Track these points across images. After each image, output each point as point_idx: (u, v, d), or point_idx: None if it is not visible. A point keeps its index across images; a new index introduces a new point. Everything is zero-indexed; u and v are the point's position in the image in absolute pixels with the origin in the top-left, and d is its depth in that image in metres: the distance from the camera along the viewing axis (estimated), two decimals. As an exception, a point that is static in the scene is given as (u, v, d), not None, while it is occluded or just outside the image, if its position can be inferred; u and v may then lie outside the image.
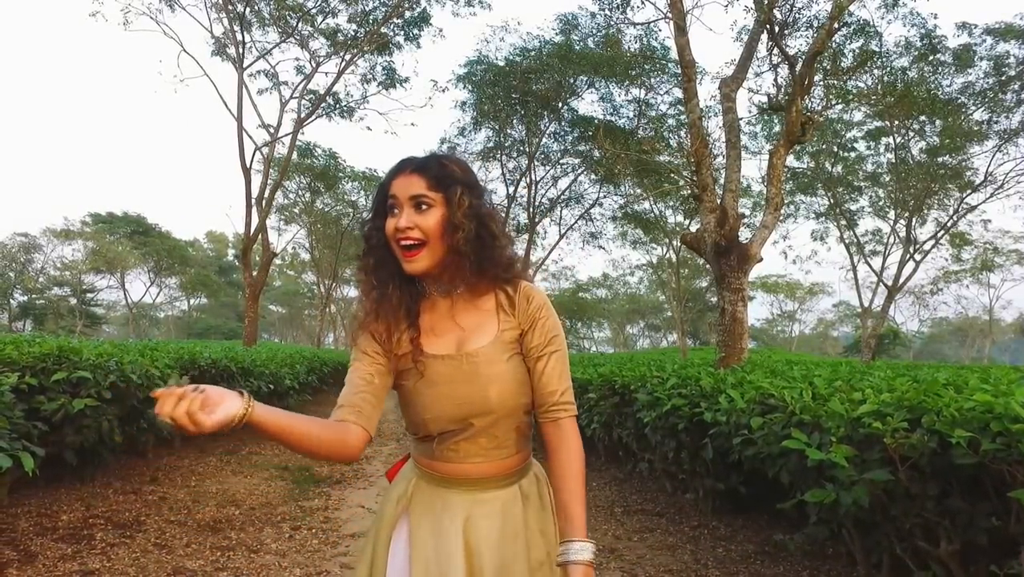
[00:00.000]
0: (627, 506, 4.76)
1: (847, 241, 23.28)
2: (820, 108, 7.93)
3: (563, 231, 21.35)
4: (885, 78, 13.55)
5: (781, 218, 16.09)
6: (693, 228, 26.47)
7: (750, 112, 15.78)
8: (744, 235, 6.18)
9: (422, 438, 1.27)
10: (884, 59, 12.98)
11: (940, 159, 18.40)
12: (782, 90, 6.75)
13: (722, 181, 6.14)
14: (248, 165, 14.17)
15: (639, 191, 18.01)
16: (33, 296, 40.30)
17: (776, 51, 6.42)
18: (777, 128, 19.54)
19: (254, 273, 14.25)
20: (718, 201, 5.70)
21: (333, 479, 5.58)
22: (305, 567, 3.33)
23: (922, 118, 17.09)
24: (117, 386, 4.10)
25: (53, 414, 3.68)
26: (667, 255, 28.53)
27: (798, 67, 5.62)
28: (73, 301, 40.04)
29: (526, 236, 19.97)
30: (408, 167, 1.22)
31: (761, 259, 5.57)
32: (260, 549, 3.58)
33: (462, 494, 1.25)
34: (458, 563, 1.19)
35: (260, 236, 14.67)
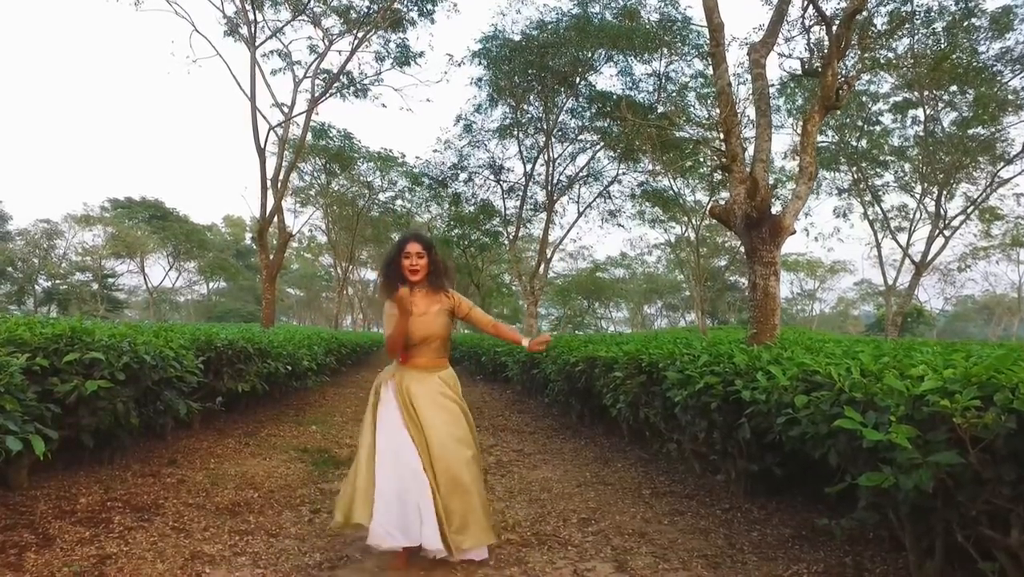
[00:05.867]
0: (655, 488, 4.61)
1: (871, 217, 22.72)
2: (855, 72, 7.53)
3: (582, 209, 21.03)
4: (915, 46, 12.99)
5: (805, 194, 15.65)
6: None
7: (781, 79, 15.23)
8: (773, 207, 5.92)
9: (406, 347, 3.07)
10: (916, 26, 12.42)
11: (971, 131, 17.75)
12: (815, 53, 6.41)
13: (751, 151, 5.88)
14: (262, 146, 14.06)
15: (659, 167, 17.62)
16: (57, 281, 40.92)
17: (809, 12, 6.09)
18: (800, 101, 18.99)
19: (271, 255, 14.20)
20: (748, 171, 5.45)
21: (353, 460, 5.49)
22: (325, 552, 3.23)
23: (953, 88, 16.45)
24: (131, 367, 4.01)
25: (66, 396, 3.60)
26: (686, 233, 28.12)
27: (834, 27, 5.31)
28: (95, 286, 40.60)
29: (544, 215, 19.70)
30: (414, 239, 3.13)
31: (794, 231, 5.32)
32: (279, 533, 3.49)
33: (417, 372, 3.09)
34: (406, 395, 3.02)
35: (276, 218, 14.61)
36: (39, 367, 3.47)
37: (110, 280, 42.33)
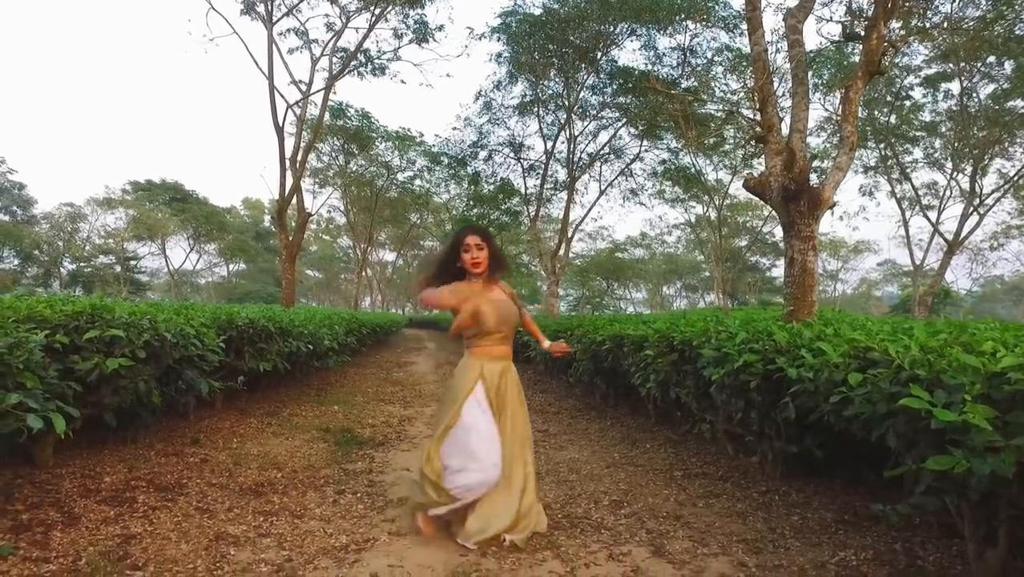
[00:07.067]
0: (687, 470, 4.47)
1: (899, 195, 22.12)
2: (898, 36, 7.14)
3: (603, 187, 20.69)
4: (954, 13, 12.44)
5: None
6: (734, 188, 25.49)
7: (809, 53, 14.67)
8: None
9: (482, 335, 3.08)
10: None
11: (1008, 104, 17.08)
12: (857, 17, 6.09)
13: (787, 122, 5.62)
14: (280, 125, 13.96)
15: (683, 144, 17.21)
16: (81, 264, 41.52)
17: (850, -26, 5.76)
18: (827, 76, 18.40)
19: (290, 235, 14.17)
20: (784, 142, 5.20)
21: (376, 441, 5.41)
22: (351, 534, 3.14)
23: (991, 59, 15.79)
24: (152, 345, 3.93)
25: (87, 374, 3.53)
26: (707, 213, 27.67)
27: (881, -14, 5.02)
28: (118, 268, 41.14)
29: (564, 193, 19.42)
30: (472, 232, 3.10)
31: (834, 204, 5.08)
32: (304, 514, 3.41)
33: (497, 363, 3.08)
34: (502, 383, 3.06)
35: (295, 198, 14.55)
36: (60, 344, 3.40)
37: (132, 262, 42.86)
